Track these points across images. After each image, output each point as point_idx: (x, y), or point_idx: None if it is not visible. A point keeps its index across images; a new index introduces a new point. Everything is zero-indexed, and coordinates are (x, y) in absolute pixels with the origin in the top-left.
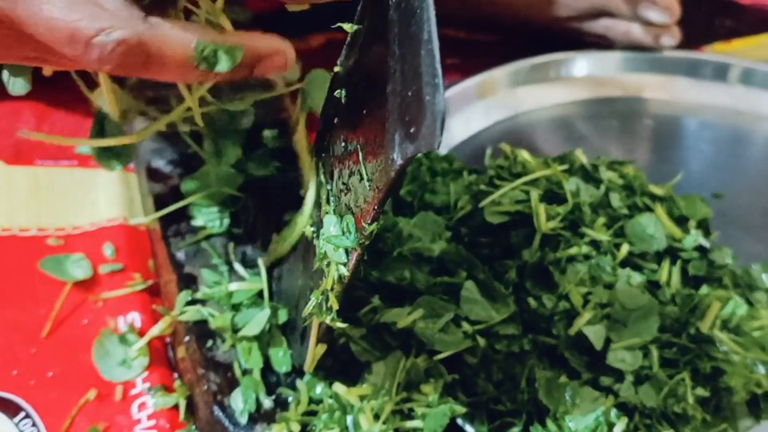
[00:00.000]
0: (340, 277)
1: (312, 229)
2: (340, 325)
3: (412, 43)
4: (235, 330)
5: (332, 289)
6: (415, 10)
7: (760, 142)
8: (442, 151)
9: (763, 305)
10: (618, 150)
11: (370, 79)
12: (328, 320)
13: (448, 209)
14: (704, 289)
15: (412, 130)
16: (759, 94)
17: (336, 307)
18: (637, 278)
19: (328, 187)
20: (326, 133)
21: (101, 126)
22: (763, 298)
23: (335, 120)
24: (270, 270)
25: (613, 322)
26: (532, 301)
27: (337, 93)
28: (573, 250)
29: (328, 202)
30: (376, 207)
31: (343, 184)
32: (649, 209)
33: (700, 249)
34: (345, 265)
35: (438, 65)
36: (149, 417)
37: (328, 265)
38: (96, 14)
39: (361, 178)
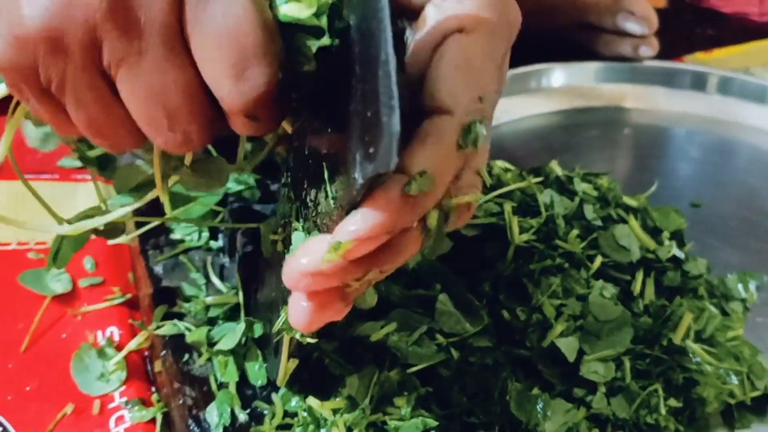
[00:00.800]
0: None
1: (282, 243)
2: (309, 340)
3: (371, 63)
4: (211, 344)
5: None
6: (373, 31)
7: (738, 151)
8: None
9: (738, 315)
10: (598, 160)
11: (336, 96)
12: (297, 336)
13: None
14: (678, 300)
15: (371, 150)
16: (736, 104)
17: None
18: (611, 290)
19: (297, 203)
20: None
21: None
22: (739, 308)
23: (305, 136)
24: (247, 283)
25: (587, 333)
26: (506, 314)
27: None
28: (547, 263)
29: (297, 218)
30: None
31: (311, 200)
32: (623, 221)
33: (674, 260)
34: None
35: (394, 87)
36: (126, 431)
37: None
38: None
39: (327, 196)
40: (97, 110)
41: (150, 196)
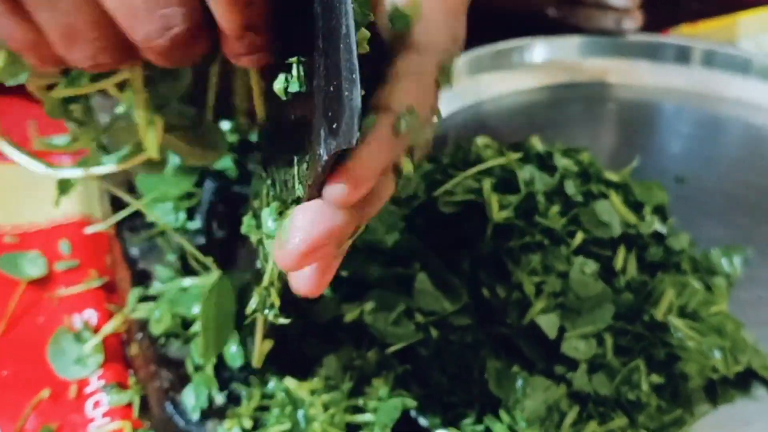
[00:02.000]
0: (280, 274)
1: (253, 223)
2: (282, 321)
3: (332, 37)
4: (187, 326)
5: (272, 284)
6: (334, 3)
7: (723, 125)
8: None
9: (721, 290)
10: (582, 135)
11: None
12: (270, 317)
13: (407, 199)
14: (661, 276)
15: (334, 126)
16: (721, 76)
17: (277, 303)
18: (592, 266)
19: (268, 181)
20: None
21: None
22: (723, 283)
23: (275, 114)
24: (222, 264)
25: (567, 310)
26: (485, 292)
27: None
28: (526, 239)
29: (267, 196)
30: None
31: (281, 179)
32: (604, 196)
33: (657, 235)
34: None
35: (355, 60)
36: (104, 415)
37: (267, 260)
38: None
39: (295, 173)
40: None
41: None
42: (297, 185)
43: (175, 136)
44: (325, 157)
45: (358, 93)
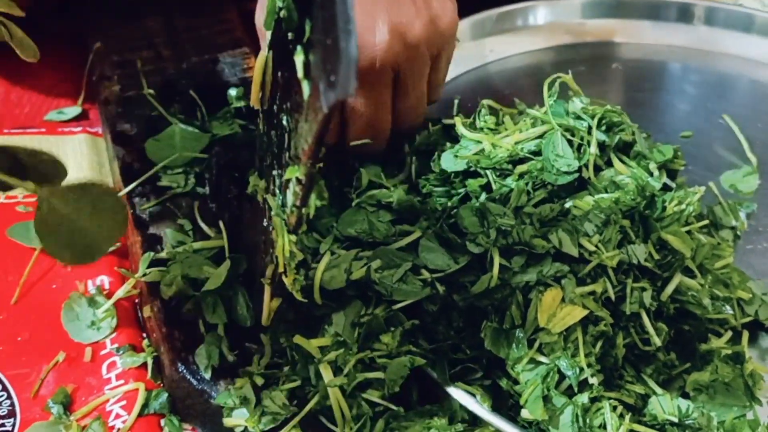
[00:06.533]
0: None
1: (259, 183)
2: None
3: None
4: (198, 288)
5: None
6: None
7: (727, 82)
8: None
9: (728, 243)
10: (587, 95)
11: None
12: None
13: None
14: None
15: (332, 78)
16: (723, 34)
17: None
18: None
19: (271, 145)
20: (275, 87)
21: None
22: (729, 236)
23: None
24: (231, 226)
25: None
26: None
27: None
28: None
29: (271, 159)
30: (310, 157)
31: (286, 133)
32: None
33: (665, 189)
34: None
35: (351, 11)
36: (118, 376)
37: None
38: None
39: (296, 128)
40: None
41: None
42: (300, 137)
43: None
44: (325, 110)
45: (354, 43)
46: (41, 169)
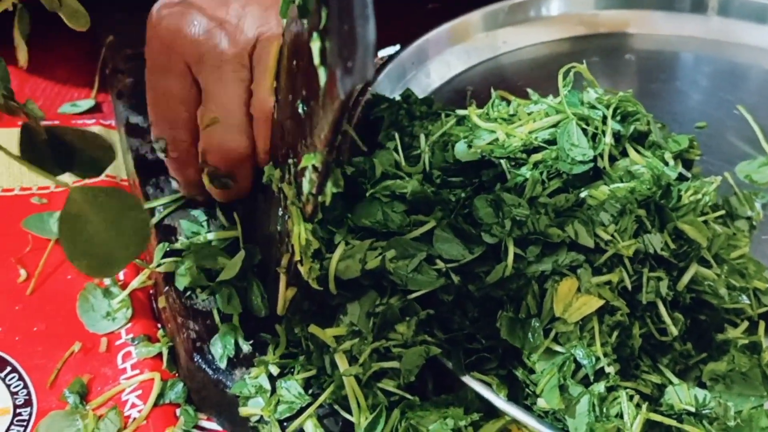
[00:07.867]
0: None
1: (273, 172)
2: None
3: None
4: (213, 278)
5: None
6: None
7: (741, 72)
8: (421, 94)
9: (743, 234)
10: (601, 86)
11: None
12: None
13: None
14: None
15: (349, 65)
16: (737, 25)
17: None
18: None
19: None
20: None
21: None
22: (745, 226)
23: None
24: (246, 217)
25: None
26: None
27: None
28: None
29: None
30: (327, 145)
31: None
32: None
33: (681, 179)
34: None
35: None
36: (133, 366)
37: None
38: None
39: (316, 115)
40: None
41: None
42: (319, 125)
43: None
44: (342, 97)
45: (371, 28)
46: (90, 154)
